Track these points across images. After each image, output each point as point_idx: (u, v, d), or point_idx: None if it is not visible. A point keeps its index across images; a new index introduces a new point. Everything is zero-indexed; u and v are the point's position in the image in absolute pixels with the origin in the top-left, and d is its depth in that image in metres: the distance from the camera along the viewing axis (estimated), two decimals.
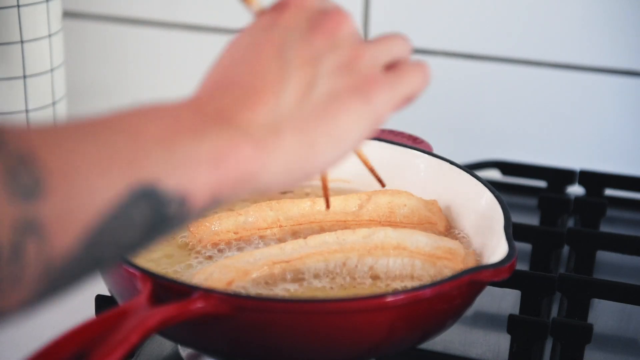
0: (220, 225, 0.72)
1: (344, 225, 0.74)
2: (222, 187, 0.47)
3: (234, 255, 0.68)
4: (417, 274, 0.68)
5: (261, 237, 0.72)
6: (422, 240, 0.69)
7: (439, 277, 0.67)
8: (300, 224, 0.73)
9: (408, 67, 0.56)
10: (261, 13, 0.54)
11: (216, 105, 0.49)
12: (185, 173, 0.46)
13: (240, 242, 0.71)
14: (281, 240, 0.72)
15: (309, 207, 0.74)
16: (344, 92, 0.52)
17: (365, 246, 0.68)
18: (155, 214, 0.45)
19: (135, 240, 0.45)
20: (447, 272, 0.67)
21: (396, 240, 0.69)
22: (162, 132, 0.46)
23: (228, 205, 0.51)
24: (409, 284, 0.67)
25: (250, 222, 0.72)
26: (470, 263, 0.69)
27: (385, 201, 0.77)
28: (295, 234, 0.73)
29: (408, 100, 0.57)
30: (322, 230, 0.73)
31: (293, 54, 0.52)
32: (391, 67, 0.56)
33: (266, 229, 0.72)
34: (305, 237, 0.70)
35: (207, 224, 0.72)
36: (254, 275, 0.65)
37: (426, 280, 0.67)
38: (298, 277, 0.66)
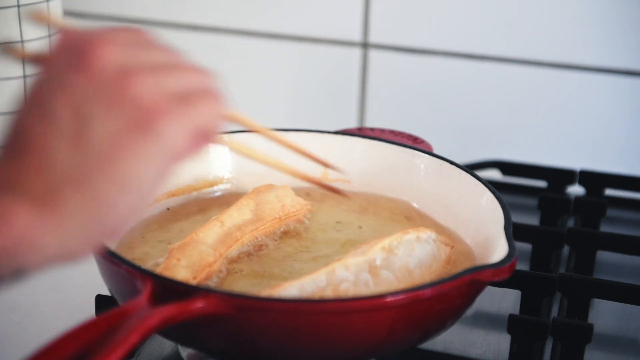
0: (176, 277, 0.65)
1: (258, 232, 0.73)
2: None
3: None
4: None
5: (214, 274, 0.68)
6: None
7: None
8: (230, 246, 0.70)
9: (201, 97, 0.50)
10: (39, 59, 0.50)
11: None
12: None
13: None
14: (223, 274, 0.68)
15: (221, 228, 0.70)
16: (122, 130, 0.46)
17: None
18: None
19: None
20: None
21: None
22: None
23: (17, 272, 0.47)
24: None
25: (198, 263, 0.67)
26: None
27: (273, 196, 0.76)
28: (237, 260, 0.70)
29: (206, 136, 0.50)
30: (245, 245, 0.71)
31: (54, 103, 0.46)
32: (182, 97, 0.49)
33: (214, 262, 0.68)
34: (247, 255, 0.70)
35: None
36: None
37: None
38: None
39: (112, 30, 0.49)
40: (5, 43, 0.50)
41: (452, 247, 0.71)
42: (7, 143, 0.47)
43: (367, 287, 0.64)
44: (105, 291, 0.69)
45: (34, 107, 0.47)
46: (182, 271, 0.65)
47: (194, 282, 0.66)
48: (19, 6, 0.87)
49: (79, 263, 0.48)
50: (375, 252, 0.66)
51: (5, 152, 0.47)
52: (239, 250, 0.71)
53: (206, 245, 0.68)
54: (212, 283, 0.67)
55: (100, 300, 0.73)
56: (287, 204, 0.76)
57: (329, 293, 0.63)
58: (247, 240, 0.72)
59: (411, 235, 0.69)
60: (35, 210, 0.45)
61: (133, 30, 0.50)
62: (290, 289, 0.62)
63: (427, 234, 0.70)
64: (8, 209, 0.45)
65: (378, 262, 0.66)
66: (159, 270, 0.66)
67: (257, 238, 0.73)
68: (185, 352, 0.73)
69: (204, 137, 0.50)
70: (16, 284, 0.47)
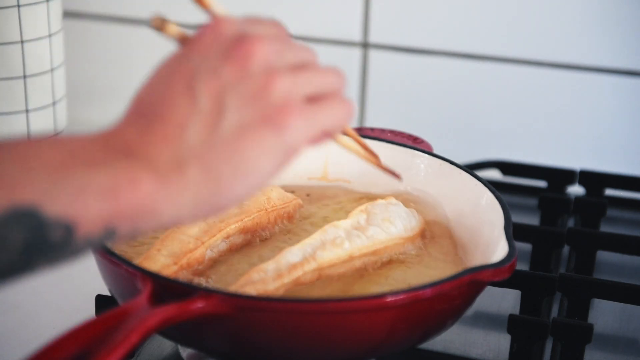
0: (156, 264, 0.67)
1: (243, 223, 0.73)
2: (117, 218, 0.47)
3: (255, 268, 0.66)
4: None
5: (196, 261, 0.69)
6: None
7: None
8: (214, 235, 0.71)
9: (331, 100, 0.54)
10: (183, 40, 0.54)
11: (124, 137, 0.49)
12: (74, 200, 0.46)
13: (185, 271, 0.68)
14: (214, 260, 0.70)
15: (203, 221, 0.71)
16: (253, 123, 0.50)
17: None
18: (35, 236, 0.45)
19: (13, 260, 0.45)
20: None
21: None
22: (57, 159, 0.47)
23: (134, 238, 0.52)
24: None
25: (179, 251, 0.68)
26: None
27: None
28: (228, 252, 0.71)
29: (327, 135, 0.54)
30: (230, 236, 0.72)
31: (202, 85, 0.50)
32: (314, 99, 0.53)
33: (195, 249, 0.69)
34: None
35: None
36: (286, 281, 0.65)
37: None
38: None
39: (260, 24, 0.54)
40: (160, 17, 0.54)
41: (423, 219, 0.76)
42: (136, 108, 0.51)
43: (360, 238, 0.69)
44: (105, 291, 0.69)
45: (178, 82, 0.51)
46: (162, 259, 0.67)
47: (174, 267, 0.66)
48: (19, 6, 0.87)
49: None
50: (356, 214, 0.72)
51: (132, 116, 0.51)
52: (225, 241, 0.71)
53: (187, 235, 0.69)
54: (195, 270, 0.68)
55: (100, 300, 0.73)
56: (272, 197, 0.77)
57: (328, 247, 0.67)
58: (232, 231, 0.72)
59: (381, 201, 0.74)
60: (158, 179, 0.48)
61: (275, 23, 0.55)
62: (295, 251, 0.66)
63: (395, 200, 0.75)
64: (135, 175, 0.48)
65: (362, 223, 0.71)
66: (139, 261, 0.66)
67: (243, 229, 0.73)
68: (185, 352, 0.73)
69: (325, 136, 0.54)
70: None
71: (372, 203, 0.74)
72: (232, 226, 0.72)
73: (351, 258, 0.68)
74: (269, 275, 0.64)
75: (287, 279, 0.64)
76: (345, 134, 0.65)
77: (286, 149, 0.51)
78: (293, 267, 0.65)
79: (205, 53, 0.52)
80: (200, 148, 0.49)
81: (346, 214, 0.78)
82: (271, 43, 0.52)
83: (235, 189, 0.50)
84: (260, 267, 0.65)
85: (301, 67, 0.53)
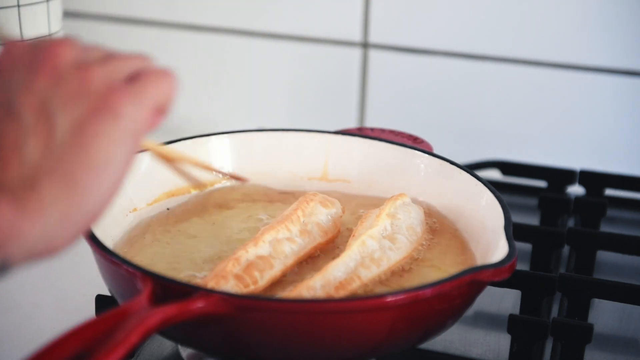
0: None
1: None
2: None
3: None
4: None
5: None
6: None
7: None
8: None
9: (151, 74, 0.53)
10: None
11: None
12: None
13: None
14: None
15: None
16: (86, 117, 0.49)
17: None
18: None
19: None
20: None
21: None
22: None
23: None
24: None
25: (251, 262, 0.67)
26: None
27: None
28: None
29: (161, 110, 0.54)
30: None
31: (19, 103, 0.49)
32: (133, 78, 0.53)
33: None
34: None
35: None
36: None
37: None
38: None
39: (49, 39, 0.53)
40: None
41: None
42: None
43: (392, 251, 0.70)
44: (105, 291, 0.69)
45: None
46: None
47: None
48: (19, 6, 0.87)
49: (62, 255, 0.50)
50: (384, 220, 0.72)
51: None
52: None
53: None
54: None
55: (100, 300, 0.73)
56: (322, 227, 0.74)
57: (367, 263, 0.67)
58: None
59: (400, 201, 0.75)
60: (15, 203, 0.47)
61: (67, 38, 0.54)
62: (339, 266, 0.66)
63: (407, 198, 0.76)
64: None
65: (389, 228, 0.71)
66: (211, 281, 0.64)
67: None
68: (185, 352, 0.73)
69: (160, 112, 0.53)
70: (2, 278, 0.49)
71: (394, 206, 0.74)
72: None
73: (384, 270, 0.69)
74: (318, 294, 0.64)
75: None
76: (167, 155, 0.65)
77: (130, 132, 0.50)
78: (341, 286, 0.65)
79: (10, 75, 0.51)
80: (45, 161, 0.48)
81: (349, 214, 0.78)
82: (69, 44, 0.52)
83: (96, 188, 0.49)
84: (309, 285, 0.64)
85: (107, 58, 0.53)
